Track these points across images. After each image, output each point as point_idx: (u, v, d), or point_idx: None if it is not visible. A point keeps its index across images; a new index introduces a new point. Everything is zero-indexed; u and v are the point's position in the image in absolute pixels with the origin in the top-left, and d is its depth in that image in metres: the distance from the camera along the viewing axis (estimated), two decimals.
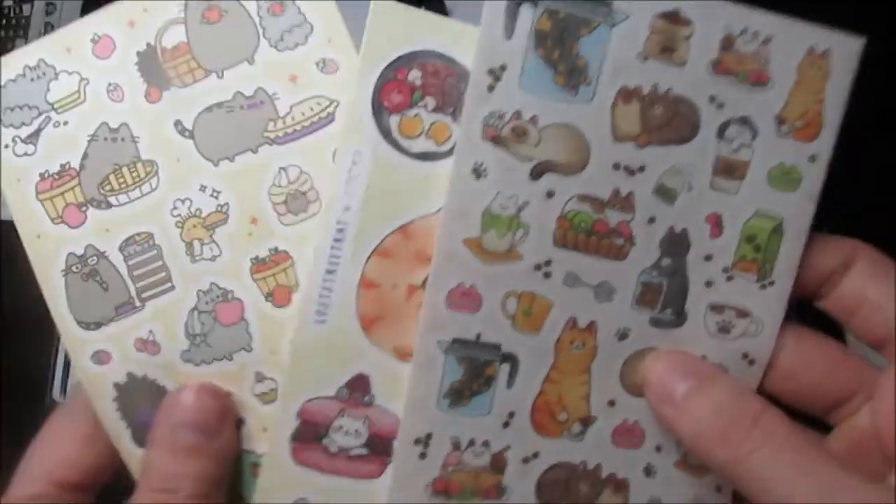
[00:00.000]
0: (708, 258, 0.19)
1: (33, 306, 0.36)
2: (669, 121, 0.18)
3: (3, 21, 0.46)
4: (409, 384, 0.18)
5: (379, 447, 0.19)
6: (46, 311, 0.35)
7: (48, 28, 0.46)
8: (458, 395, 0.18)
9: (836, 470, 0.17)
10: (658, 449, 0.20)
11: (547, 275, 0.18)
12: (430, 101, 0.18)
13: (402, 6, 0.18)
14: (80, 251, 0.19)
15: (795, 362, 0.20)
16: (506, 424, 0.19)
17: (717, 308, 0.19)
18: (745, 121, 0.19)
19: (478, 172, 0.18)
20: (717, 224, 0.19)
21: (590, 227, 0.18)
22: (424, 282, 0.18)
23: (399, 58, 0.18)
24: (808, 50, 0.19)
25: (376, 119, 0.18)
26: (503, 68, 0.17)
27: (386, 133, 0.18)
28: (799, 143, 0.19)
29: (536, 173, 0.18)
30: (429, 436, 0.18)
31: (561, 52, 0.17)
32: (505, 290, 0.18)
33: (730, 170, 0.19)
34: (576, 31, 0.17)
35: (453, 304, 0.18)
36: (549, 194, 0.18)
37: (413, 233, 0.18)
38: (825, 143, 0.19)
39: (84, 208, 0.19)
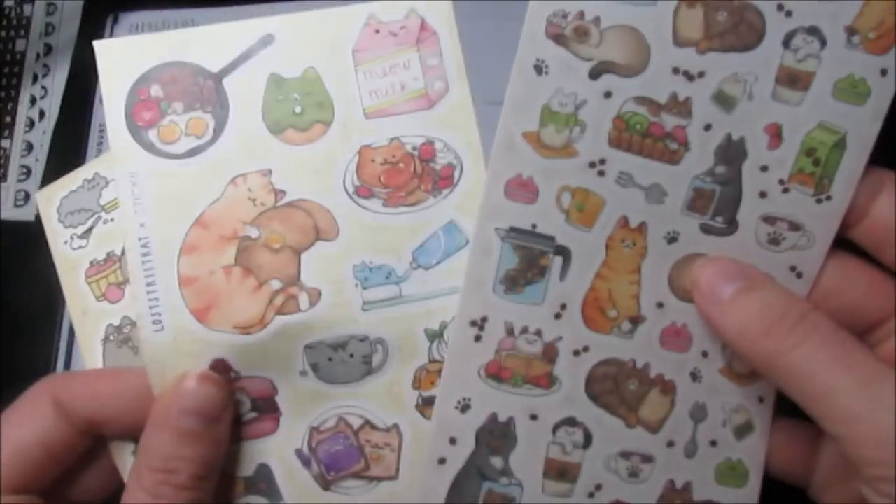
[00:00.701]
0: (764, 169, 0.19)
1: (33, 306, 0.37)
2: (733, 27, 0.19)
3: (4, 21, 0.46)
4: (468, 268, 0.19)
5: (264, 407, 0.21)
6: (47, 312, 0.37)
7: (49, 28, 0.46)
8: (514, 282, 0.19)
9: (876, 364, 0.17)
10: (704, 354, 0.20)
11: (601, 173, 0.19)
12: (178, 105, 0.21)
13: (121, 40, 0.21)
14: (116, 322, 0.22)
15: (838, 279, 0.20)
16: (558, 316, 0.20)
17: (769, 219, 0.20)
18: (813, 30, 0.19)
19: (539, 69, 0.19)
20: (776, 135, 0.19)
21: (645, 129, 0.19)
22: (236, 258, 0.20)
23: (136, 81, 0.20)
24: None
25: (136, 139, 0.20)
26: None
27: (149, 147, 0.20)
28: (870, 56, 0.19)
29: (596, 73, 0.19)
30: (484, 319, 0.19)
31: None
32: (560, 183, 0.19)
33: (794, 80, 0.19)
34: None
35: (511, 194, 0.19)
36: (607, 94, 0.19)
37: (208, 221, 0.20)
38: None
39: (122, 286, 0.22)
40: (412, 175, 0.21)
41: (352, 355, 0.21)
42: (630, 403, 0.20)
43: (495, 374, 0.20)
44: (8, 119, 0.44)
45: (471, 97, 0.21)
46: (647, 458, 0.20)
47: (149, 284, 0.20)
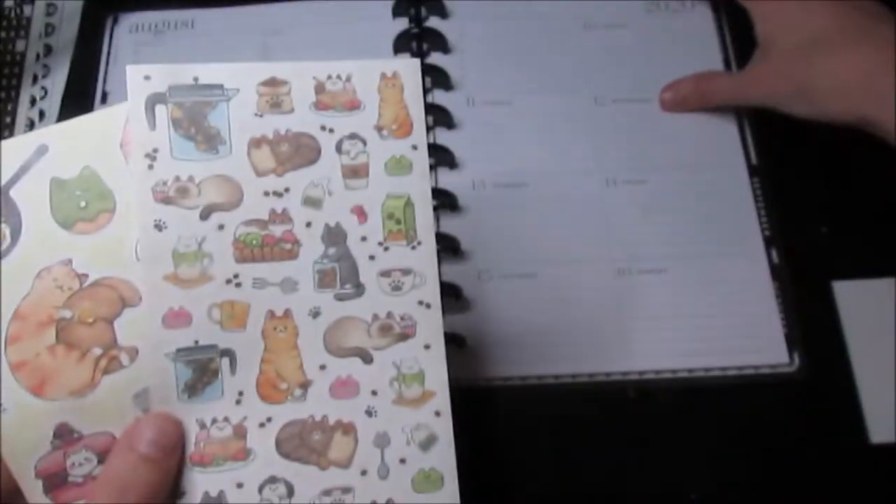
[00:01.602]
0: (364, 239, 0.25)
1: None
2: (296, 151, 0.25)
3: (4, 22, 0.45)
4: (152, 386, 0.24)
5: None
6: None
7: (49, 29, 0.45)
8: (193, 388, 0.24)
9: None
10: (374, 393, 0.25)
11: (238, 285, 0.25)
12: None
13: None
14: None
15: None
16: (238, 402, 0.24)
17: (385, 273, 0.25)
18: (353, 135, 0.25)
19: (159, 227, 0.24)
20: (361, 213, 0.25)
21: (261, 241, 0.25)
22: (56, 338, 0.24)
23: None
24: (382, 75, 0.25)
25: None
26: (156, 150, 0.24)
27: None
28: (400, 140, 0.26)
29: (205, 215, 0.24)
30: (177, 422, 0.24)
31: (196, 127, 0.24)
32: (208, 303, 0.24)
33: (355, 172, 0.25)
34: (202, 111, 0.24)
35: (168, 325, 0.24)
36: (220, 227, 0.24)
37: (25, 314, 0.24)
38: (419, 135, 0.25)
39: None
40: None
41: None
42: (319, 450, 0.24)
43: (199, 461, 0.24)
44: (8, 119, 0.43)
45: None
46: (347, 490, 0.24)
47: None
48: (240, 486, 0.24)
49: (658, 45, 0.43)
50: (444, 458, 0.25)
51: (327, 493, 0.24)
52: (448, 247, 0.39)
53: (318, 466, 0.24)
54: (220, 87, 0.25)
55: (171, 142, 0.24)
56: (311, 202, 0.25)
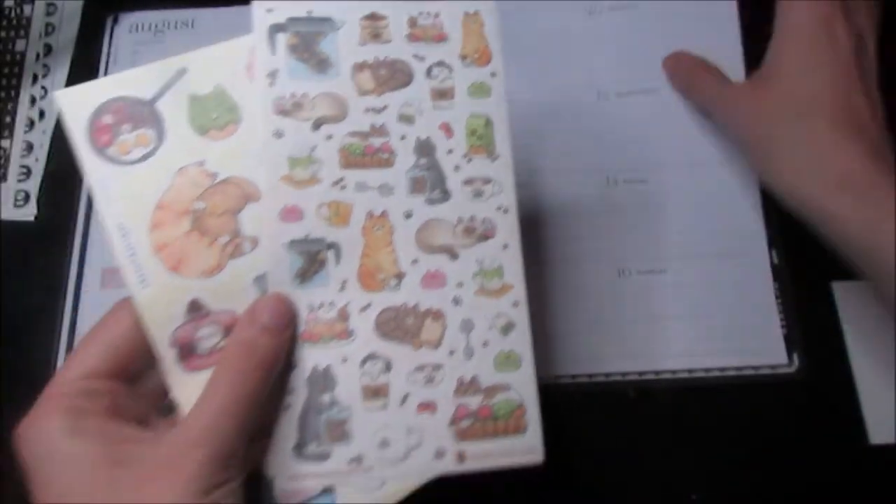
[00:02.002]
0: (450, 152, 0.29)
1: (33, 306, 0.39)
2: (392, 75, 0.29)
3: (4, 21, 0.45)
4: (270, 271, 0.27)
5: None
6: (47, 312, 0.38)
7: (49, 28, 0.45)
8: (304, 275, 0.27)
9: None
10: (460, 285, 0.28)
11: (343, 187, 0.28)
12: (126, 126, 0.28)
13: (75, 88, 0.28)
14: None
15: None
16: (342, 289, 0.28)
17: (468, 181, 0.29)
18: (441, 63, 0.29)
19: (277, 135, 0.28)
20: (447, 129, 0.29)
21: (362, 150, 0.28)
22: (191, 225, 0.27)
23: (92, 114, 0.28)
24: (465, 13, 0.30)
25: (100, 156, 0.27)
26: (276, 71, 0.28)
27: (111, 160, 0.27)
28: (480, 68, 0.29)
29: (316, 126, 0.28)
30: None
31: (309, 53, 0.28)
32: (317, 202, 0.28)
33: (442, 94, 0.29)
34: (314, 39, 0.29)
35: (284, 219, 0.28)
36: (329, 137, 0.28)
37: (165, 204, 0.27)
38: (497, 64, 0.29)
39: None
40: None
41: None
42: (412, 333, 0.28)
43: (309, 339, 0.27)
44: (8, 119, 0.43)
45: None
46: (437, 367, 0.27)
47: (131, 256, 0.27)
48: (344, 360, 0.27)
49: (671, 32, 0.42)
50: (522, 342, 0.28)
51: (420, 369, 0.27)
52: None
53: (412, 346, 0.28)
54: (330, 19, 0.29)
55: (288, 64, 0.28)
56: (405, 119, 0.29)
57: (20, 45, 0.45)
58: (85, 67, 0.45)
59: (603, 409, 0.37)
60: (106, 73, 0.44)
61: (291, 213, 0.28)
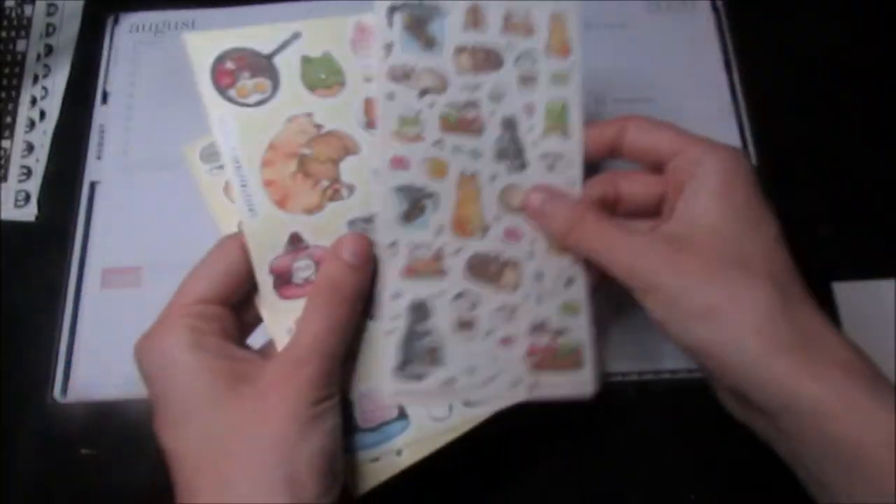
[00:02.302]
0: (530, 129, 0.34)
1: (33, 306, 0.39)
2: (486, 59, 0.34)
3: (5, 21, 0.45)
4: (381, 211, 0.31)
5: None
6: (47, 312, 0.38)
7: (49, 29, 0.45)
8: (407, 217, 0.32)
9: (618, 232, 0.30)
10: (533, 242, 0.33)
11: (441, 147, 0.33)
12: (246, 74, 0.31)
13: (201, 34, 0.31)
14: None
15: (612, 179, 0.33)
16: (438, 233, 0.32)
17: (543, 156, 0.34)
18: (528, 52, 0.34)
19: (390, 97, 0.32)
20: (529, 109, 0.34)
21: (457, 120, 0.33)
22: (297, 167, 0.31)
23: (216, 59, 0.31)
24: (551, 14, 0.35)
25: (222, 95, 0.31)
26: (391, 44, 0.33)
27: (231, 100, 0.31)
28: (561, 59, 0.35)
29: (421, 94, 0.33)
30: (395, 241, 0.31)
31: (419, 32, 0.33)
32: (420, 156, 0.32)
33: (527, 80, 0.34)
34: (425, 21, 0.33)
35: (393, 167, 0.32)
36: (431, 105, 0.33)
37: (277, 145, 0.31)
38: (577, 57, 0.35)
39: None
40: None
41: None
42: (495, 277, 0.32)
43: (409, 274, 0.31)
44: (8, 119, 0.43)
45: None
46: (514, 308, 0.32)
47: (242, 186, 0.30)
48: (439, 295, 0.31)
49: (658, 45, 0.45)
50: (581, 294, 0.33)
51: (501, 308, 0.32)
52: None
53: (495, 289, 0.32)
54: (439, 7, 0.34)
55: (402, 39, 0.33)
56: (494, 97, 0.34)
57: (21, 45, 0.45)
58: (85, 68, 0.45)
59: (603, 409, 0.36)
60: (107, 74, 0.45)
61: (399, 163, 0.32)
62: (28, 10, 0.46)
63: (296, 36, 0.33)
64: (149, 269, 0.41)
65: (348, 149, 0.32)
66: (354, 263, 0.30)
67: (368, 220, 0.31)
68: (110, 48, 0.45)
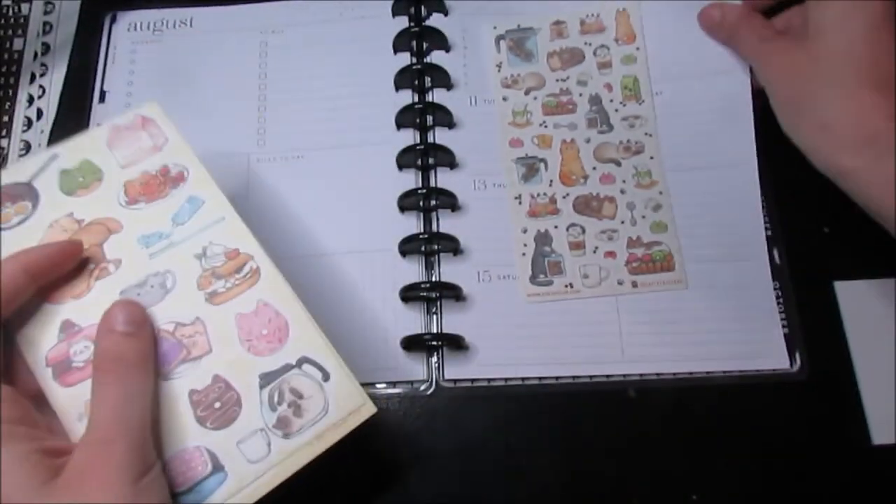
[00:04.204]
0: (611, 101, 0.45)
1: None
2: (571, 56, 0.46)
3: (2, 20, 0.44)
4: (505, 176, 0.45)
5: None
6: None
7: (46, 27, 0.44)
8: (526, 177, 0.44)
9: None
10: (624, 181, 0.44)
11: (545, 126, 0.45)
12: (8, 203, 0.33)
13: None
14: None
15: None
16: (550, 184, 0.44)
17: (624, 118, 0.45)
18: (602, 45, 0.46)
19: (504, 98, 0.46)
20: (609, 87, 0.46)
21: (556, 105, 0.46)
22: None
23: None
24: (616, 10, 0.46)
25: None
26: (501, 63, 0.46)
27: None
28: (628, 45, 0.46)
29: (527, 92, 0.46)
30: (519, 195, 0.44)
31: (519, 49, 0.47)
32: (531, 135, 0.45)
33: (604, 65, 0.46)
34: (523, 42, 0.47)
35: (512, 145, 0.45)
36: (535, 98, 0.46)
37: None
38: (640, 41, 0.46)
39: None
40: (159, 183, 0.34)
41: (152, 286, 0.31)
42: (596, 210, 0.44)
43: (533, 214, 0.44)
44: (5, 118, 0.42)
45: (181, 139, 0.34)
46: (614, 231, 0.43)
47: None
48: (556, 227, 0.44)
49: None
50: (668, 215, 0.43)
51: (603, 232, 0.43)
52: (448, 247, 0.41)
53: (597, 218, 0.44)
54: (531, 28, 0.47)
55: (507, 58, 0.47)
56: (581, 83, 0.46)
57: (18, 43, 0.43)
58: (83, 66, 0.44)
59: (603, 409, 0.37)
60: (104, 72, 0.44)
61: (516, 142, 0.45)
62: (25, 8, 0.44)
63: (53, 157, 0.34)
64: None
65: (111, 229, 0.33)
66: (129, 330, 0.29)
67: (141, 284, 0.32)
68: (107, 47, 0.44)
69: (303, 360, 0.30)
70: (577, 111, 0.45)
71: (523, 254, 0.43)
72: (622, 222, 0.43)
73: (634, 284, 0.42)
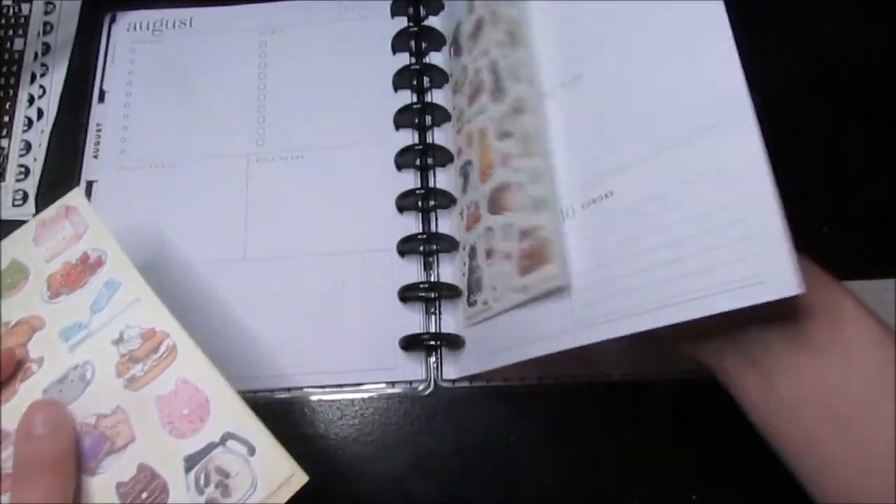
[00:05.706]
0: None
1: None
2: (476, 78, 0.37)
3: (2, 20, 0.44)
4: (455, 191, 0.38)
5: None
6: None
7: (47, 27, 0.44)
8: (465, 186, 0.37)
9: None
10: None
11: (469, 122, 0.38)
12: None
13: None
14: None
15: None
16: (476, 188, 0.36)
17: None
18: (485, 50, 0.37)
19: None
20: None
21: (474, 93, 0.37)
22: None
23: None
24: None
25: None
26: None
27: None
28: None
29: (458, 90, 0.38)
30: (461, 210, 0.38)
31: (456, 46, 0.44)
32: (464, 137, 0.38)
33: (494, 64, 0.37)
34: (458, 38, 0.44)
35: (457, 156, 0.39)
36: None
37: None
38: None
39: None
40: (79, 272, 0.33)
41: (72, 381, 0.30)
42: (502, 206, 0.34)
43: (467, 227, 0.37)
44: (6, 118, 0.42)
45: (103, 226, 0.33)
46: (509, 225, 0.33)
47: None
48: (479, 236, 0.36)
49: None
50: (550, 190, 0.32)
51: (504, 228, 0.34)
52: (446, 247, 0.39)
53: (501, 214, 0.34)
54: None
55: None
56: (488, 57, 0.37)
57: (18, 43, 0.43)
58: (83, 66, 0.44)
59: (603, 409, 0.37)
60: (104, 72, 0.44)
61: (457, 151, 0.40)
62: (25, 8, 0.44)
63: None
64: (145, 268, 0.39)
65: (35, 327, 0.32)
66: (46, 433, 0.28)
67: (61, 380, 0.31)
68: (107, 47, 0.45)
69: (227, 437, 0.29)
70: (484, 89, 0.37)
71: (463, 274, 0.37)
72: (518, 212, 0.33)
73: (524, 290, 0.32)
